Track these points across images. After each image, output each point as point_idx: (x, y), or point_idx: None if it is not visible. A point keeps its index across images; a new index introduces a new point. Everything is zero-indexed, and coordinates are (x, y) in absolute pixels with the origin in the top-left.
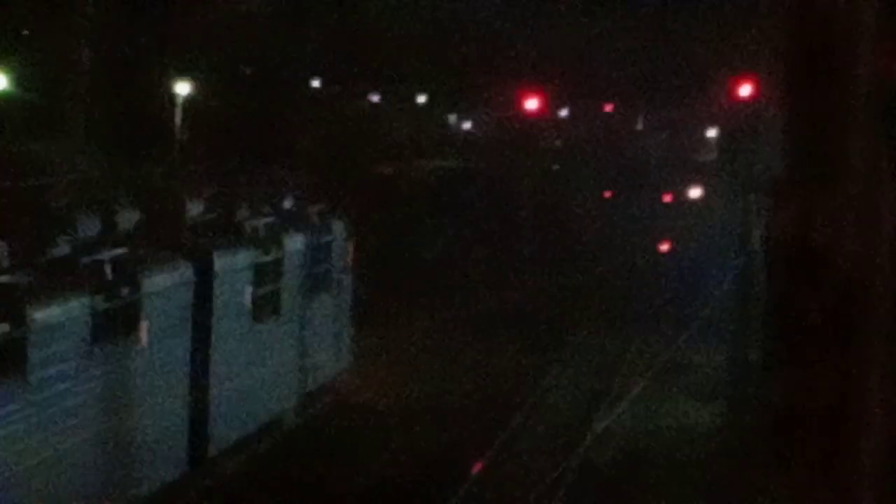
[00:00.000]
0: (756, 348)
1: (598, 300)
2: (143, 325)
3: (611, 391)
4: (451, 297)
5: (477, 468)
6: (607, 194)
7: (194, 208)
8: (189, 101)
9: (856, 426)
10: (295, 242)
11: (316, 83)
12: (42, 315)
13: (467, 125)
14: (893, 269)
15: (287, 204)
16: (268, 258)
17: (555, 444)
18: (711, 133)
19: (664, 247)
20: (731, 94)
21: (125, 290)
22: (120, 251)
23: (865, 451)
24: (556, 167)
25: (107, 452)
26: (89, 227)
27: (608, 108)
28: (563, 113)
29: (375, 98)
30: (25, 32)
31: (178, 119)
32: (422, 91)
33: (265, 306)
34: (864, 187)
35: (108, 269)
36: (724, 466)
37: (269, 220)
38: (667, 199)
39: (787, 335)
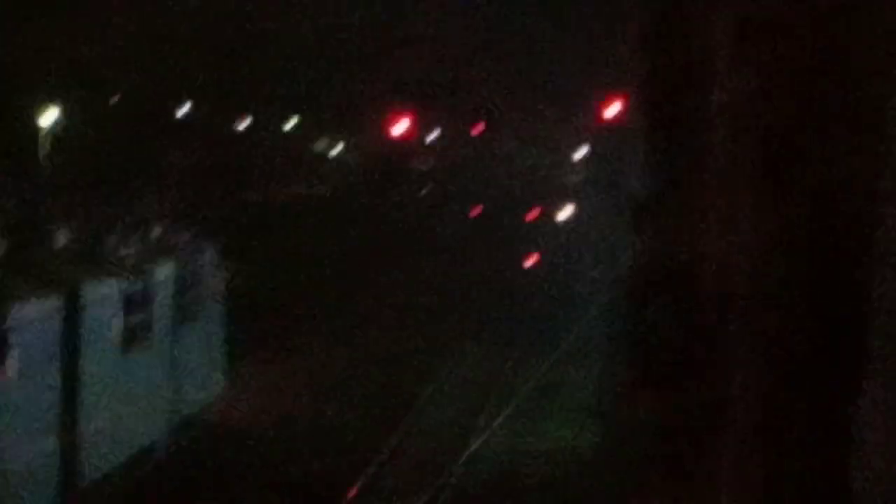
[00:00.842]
0: (625, 366)
1: (469, 321)
2: (11, 357)
3: (484, 411)
4: (323, 320)
5: (351, 493)
6: (475, 213)
7: (61, 237)
8: (55, 126)
9: (721, 440)
10: (164, 270)
11: (186, 108)
12: None
13: (337, 149)
14: (753, 285)
15: (156, 231)
16: (137, 287)
17: (428, 466)
18: (580, 154)
19: (531, 263)
20: (598, 115)
21: None
22: None
23: (730, 463)
24: (424, 190)
25: None
26: None
27: (477, 130)
28: (433, 136)
29: (246, 122)
30: None
31: (42, 148)
32: (293, 115)
33: (135, 335)
34: (723, 206)
35: None
36: (595, 485)
37: (137, 248)
38: (533, 217)
39: (653, 352)
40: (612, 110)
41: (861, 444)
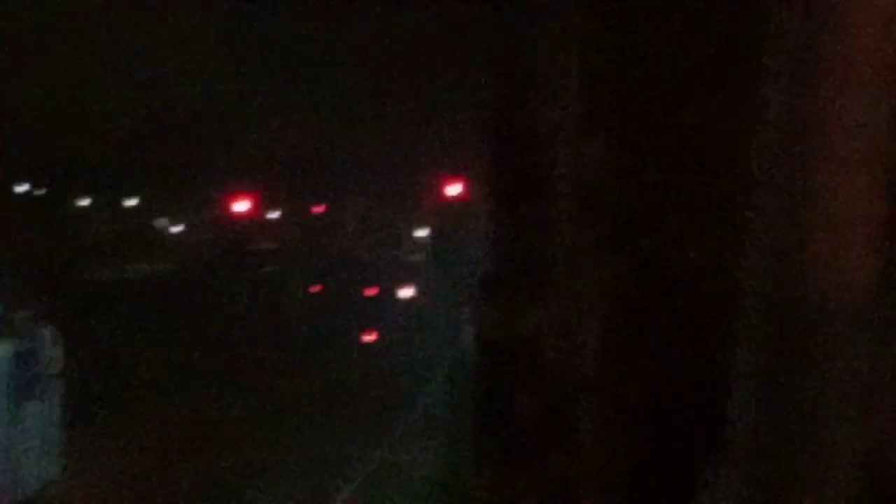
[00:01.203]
0: (468, 446)
1: (307, 399)
2: None
3: (322, 494)
4: (165, 398)
5: None
6: (316, 289)
7: None
8: None
9: None
10: (2, 349)
11: (23, 187)
12: None
13: (178, 227)
14: (601, 362)
15: None
16: None
17: None
18: (421, 233)
19: (370, 338)
20: (439, 193)
21: None
22: None
23: None
24: (267, 268)
25: None
26: None
27: (319, 209)
28: (275, 214)
29: (85, 202)
30: None
31: None
32: (132, 194)
33: None
34: (566, 280)
35: None
36: None
37: None
38: (373, 294)
39: (496, 432)
40: (455, 188)
41: None
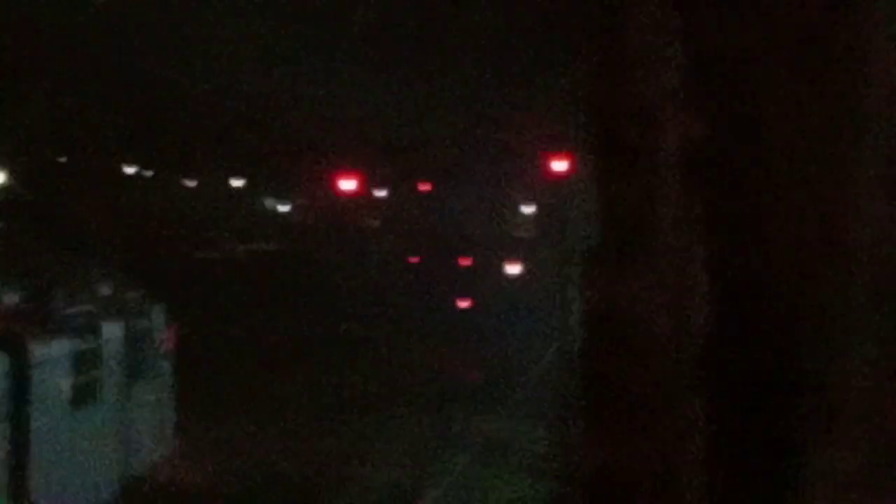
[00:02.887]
0: (578, 421)
1: (419, 377)
2: None
3: (433, 469)
4: (275, 377)
5: None
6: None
7: (8, 297)
8: (1, 190)
9: (673, 497)
10: (113, 329)
11: (131, 169)
12: None
13: (285, 207)
14: (702, 336)
15: (104, 291)
16: (86, 346)
17: None
18: (529, 209)
19: (466, 305)
20: (546, 170)
21: None
22: None
23: None
24: (373, 248)
25: None
26: None
27: (425, 187)
28: (382, 193)
29: (193, 183)
30: None
31: None
32: (239, 175)
33: (84, 394)
34: (672, 253)
35: None
36: None
37: (86, 307)
38: (467, 264)
39: (602, 407)
40: (561, 164)
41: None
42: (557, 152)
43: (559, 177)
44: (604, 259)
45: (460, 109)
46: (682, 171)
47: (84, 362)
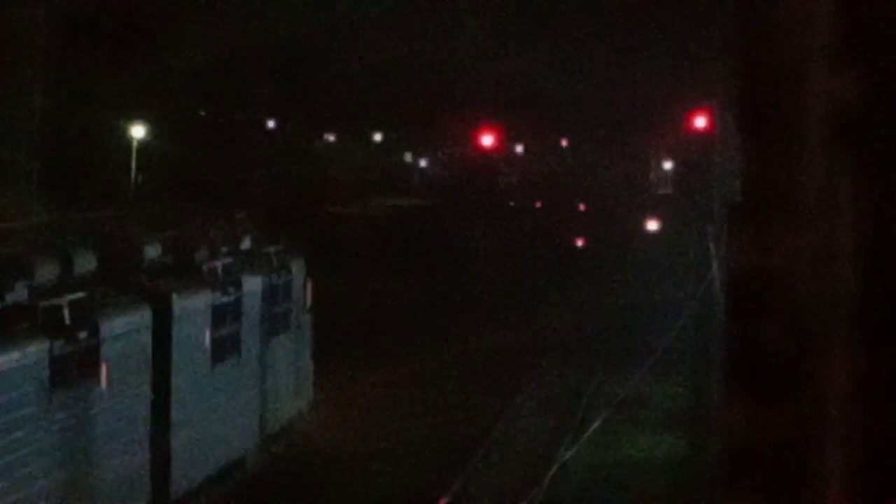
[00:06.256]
0: (720, 377)
1: (561, 333)
2: (103, 369)
3: (573, 424)
4: (412, 331)
5: None
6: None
7: (151, 250)
8: (144, 143)
9: (810, 459)
10: (253, 283)
11: (271, 123)
12: (0, 360)
13: (424, 163)
14: (850, 297)
15: (244, 244)
16: (226, 299)
17: (518, 476)
18: (667, 165)
19: (581, 244)
20: (685, 126)
21: (84, 334)
22: (78, 295)
23: (819, 484)
24: (512, 203)
25: (69, 500)
26: (46, 272)
27: (563, 142)
28: (519, 149)
29: (331, 137)
30: None
31: (132, 162)
32: (377, 129)
33: (224, 347)
34: (819, 212)
35: (66, 314)
36: (684, 498)
37: (226, 260)
38: (582, 209)
39: (743, 365)
40: (701, 120)
41: None
42: (697, 110)
43: (699, 133)
44: (745, 216)
45: (602, 66)
46: (832, 132)
47: (224, 315)
